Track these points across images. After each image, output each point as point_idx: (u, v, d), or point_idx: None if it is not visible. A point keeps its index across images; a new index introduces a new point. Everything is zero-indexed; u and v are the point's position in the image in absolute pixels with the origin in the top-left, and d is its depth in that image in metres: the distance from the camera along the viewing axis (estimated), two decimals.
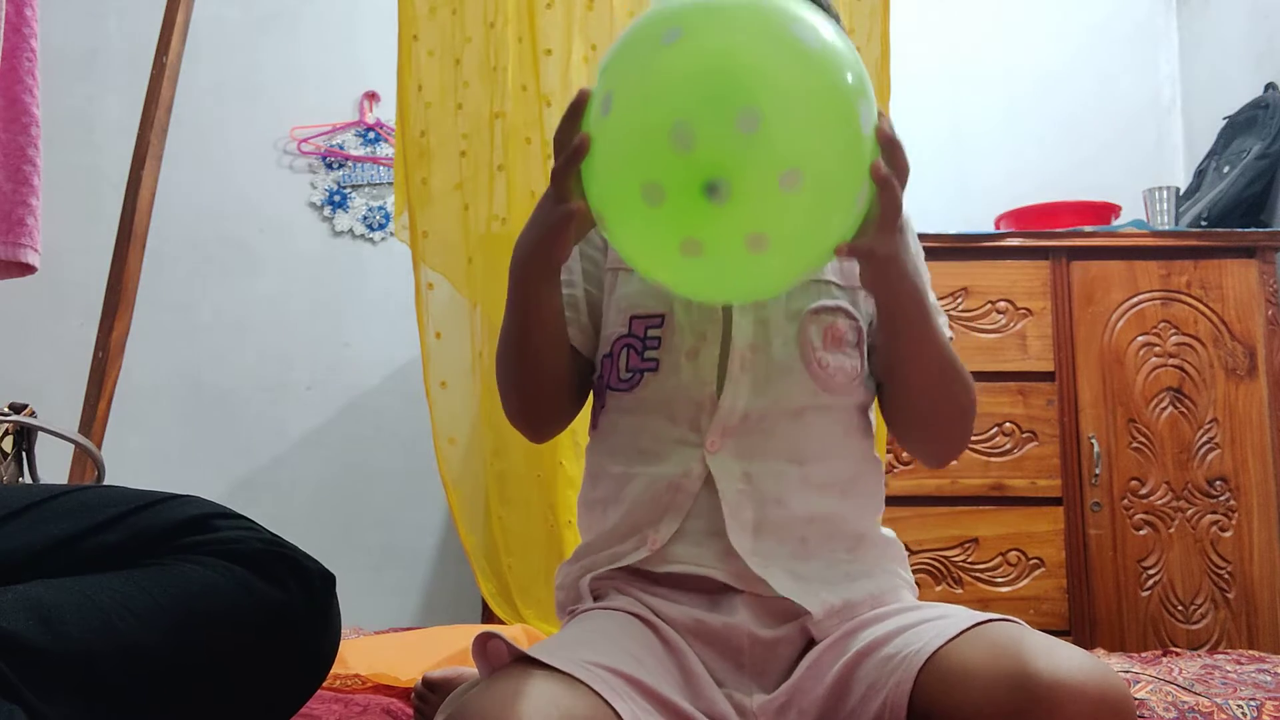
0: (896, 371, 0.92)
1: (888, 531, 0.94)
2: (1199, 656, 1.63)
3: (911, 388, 0.92)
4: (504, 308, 0.91)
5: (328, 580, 0.90)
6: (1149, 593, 2.08)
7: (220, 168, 2.67)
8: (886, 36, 1.91)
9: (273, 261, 2.67)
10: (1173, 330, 2.15)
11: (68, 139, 2.52)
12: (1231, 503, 2.10)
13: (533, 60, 1.97)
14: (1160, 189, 2.36)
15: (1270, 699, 1.24)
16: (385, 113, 2.69)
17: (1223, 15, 2.60)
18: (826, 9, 0.97)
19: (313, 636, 0.89)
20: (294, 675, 0.89)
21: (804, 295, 0.91)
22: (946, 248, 2.17)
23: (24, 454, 1.27)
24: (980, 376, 2.07)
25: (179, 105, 1.70)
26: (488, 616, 2.02)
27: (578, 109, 0.77)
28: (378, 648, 1.54)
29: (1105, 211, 2.32)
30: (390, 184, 2.68)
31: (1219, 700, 1.23)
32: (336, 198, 2.70)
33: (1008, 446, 2.13)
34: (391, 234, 2.66)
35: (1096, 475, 2.11)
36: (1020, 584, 2.09)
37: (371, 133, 2.71)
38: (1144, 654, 1.69)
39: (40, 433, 1.27)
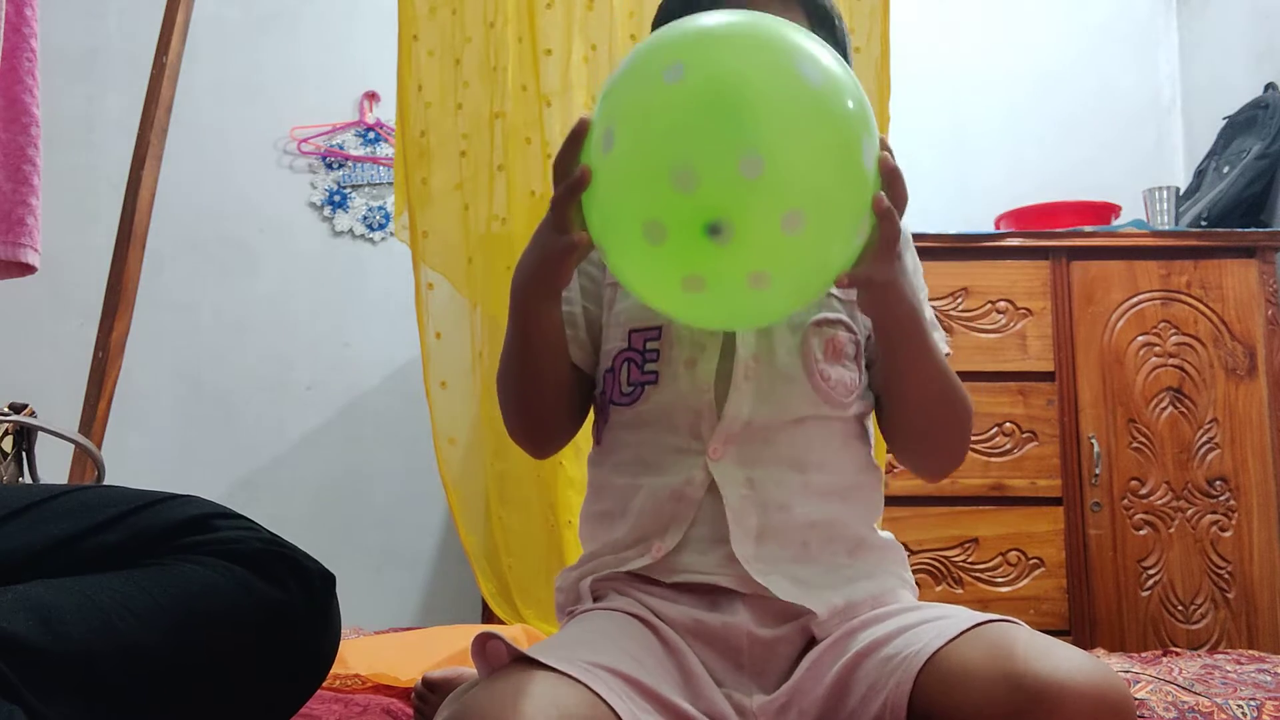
0: (894, 388, 0.92)
1: (887, 534, 0.94)
2: (1199, 656, 1.63)
3: (909, 404, 0.92)
4: (503, 307, 0.91)
5: (328, 580, 0.90)
6: (1149, 593, 2.08)
7: (220, 168, 2.67)
8: (886, 36, 1.91)
9: (273, 261, 2.67)
10: (1173, 330, 2.15)
11: (68, 139, 2.53)
12: (1231, 503, 2.10)
13: (533, 60, 1.97)
14: (1160, 189, 2.36)
15: (1270, 699, 1.24)
16: (385, 113, 2.69)
17: (1223, 15, 2.60)
18: (829, 14, 0.97)
19: (313, 636, 0.89)
20: (294, 675, 0.90)
21: (806, 307, 0.91)
22: (946, 248, 2.17)
23: (24, 454, 1.27)
24: (980, 376, 2.11)
25: (179, 105, 1.70)
26: (488, 616, 2.02)
27: (578, 138, 0.77)
28: (378, 648, 1.54)
29: (1105, 211, 2.32)
30: (390, 184, 2.68)
31: (1219, 700, 1.23)
32: (336, 198, 2.70)
33: (1008, 446, 2.13)
34: (391, 234, 2.66)
35: (1096, 475, 2.11)
36: (1020, 584, 2.09)
37: (371, 133, 2.71)
38: (1144, 654, 1.69)
39: (40, 433, 1.27)
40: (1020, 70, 2.73)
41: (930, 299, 1.00)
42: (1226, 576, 2.08)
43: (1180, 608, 2.08)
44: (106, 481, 1.33)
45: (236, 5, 2.72)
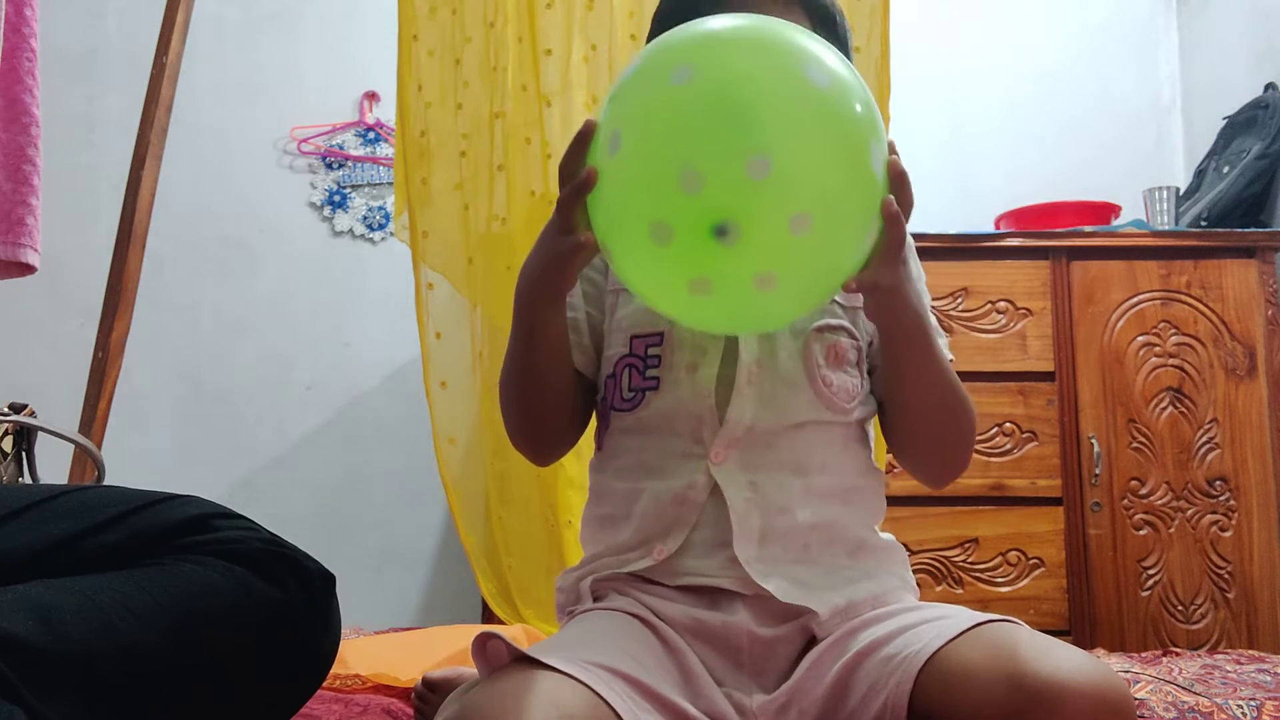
0: (897, 395, 0.93)
1: (888, 536, 0.95)
2: (1199, 656, 1.63)
3: (912, 411, 0.92)
4: (503, 307, 0.91)
5: (328, 580, 0.90)
6: (1149, 593, 2.08)
7: (220, 168, 2.67)
8: (886, 36, 1.91)
9: (273, 261, 2.67)
10: (1173, 330, 2.15)
11: (68, 139, 2.53)
12: (1231, 503, 2.10)
13: (533, 60, 1.97)
14: (1160, 189, 2.36)
15: (1270, 699, 1.24)
16: (385, 113, 2.69)
17: (1223, 16, 2.60)
18: (831, 14, 0.97)
19: (313, 636, 0.89)
20: (294, 675, 0.90)
21: (809, 313, 0.91)
22: (946, 248, 2.17)
23: (24, 454, 1.27)
24: (980, 376, 2.11)
25: (179, 105, 1.70)
26: (488, 616, 2.02)
27: (584, 140, 0.77)
28: (378, 648, 1.54)
29: (1105, 211, 2.32)
30: (390, 184, 2.68)
31: (1219, 700, 1.23)
32: (336, 198, 2.70)
33: (1008, 446, 2.13)
34: (391, 234, 2.66)
35: (1096, 475, 2.11)
36: (1020, 584, 2.09)
37: (371, 133, 2.71)
38: (1144, 654, 1.69)
39: (40, 433, 1.27)
40: (1020, 70, 2.74)
41: (930, 299, 1.00)
42: (1226, 576, 2.08)
43: (1180, 608, 2.08)
44: (106, 481, 1.33)
45: (236, 5, 2.72)
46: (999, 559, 2.11)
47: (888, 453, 1.01)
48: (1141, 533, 2.10)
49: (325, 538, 2.02)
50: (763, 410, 0.89)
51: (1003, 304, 2.16)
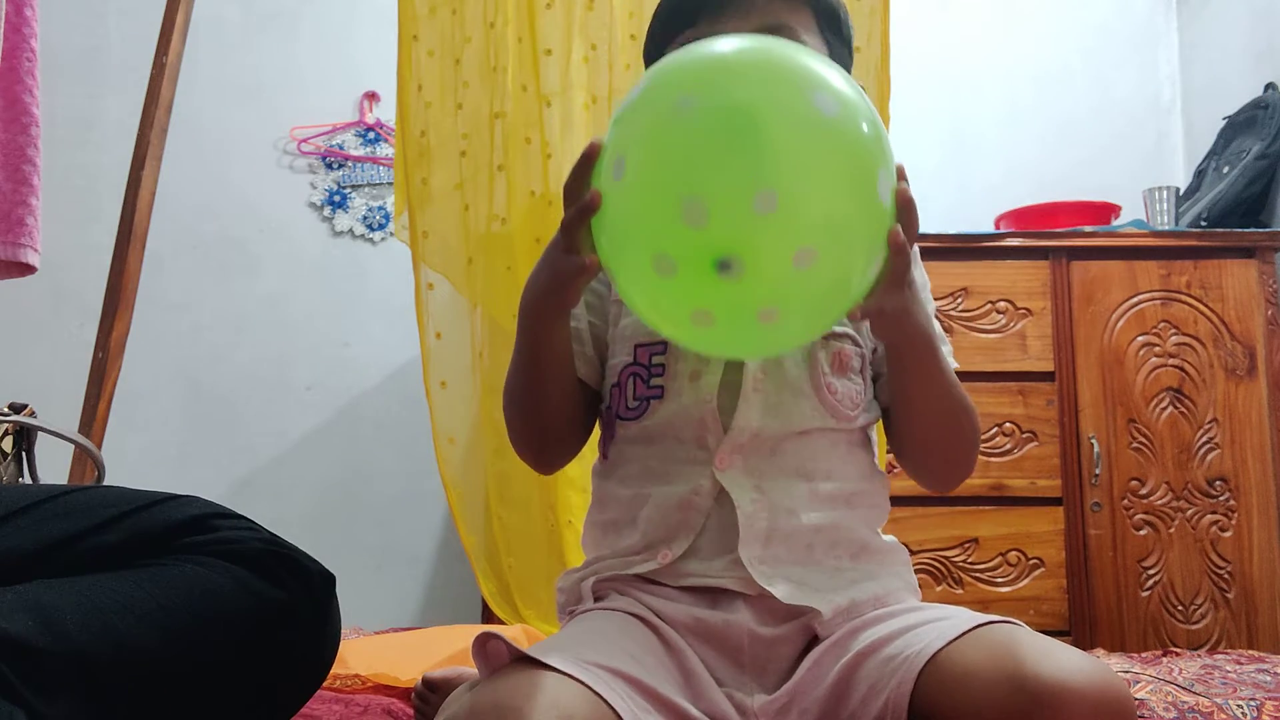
0: (904, 406, 0.93)
1: (890, 538, 0.95)
2: (1199, 656, 1.63)
3: (918, 421, 0.93)
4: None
5: (328, 580, 0.90)
6: (1149, 593, 2.08)
7: (220, 168, 2.67)
8: (886, 36, 1.91)
9: (273, 261, 2.67)
10: (1173, 330, 2.15)
11: (68, 139, 2.53)
12: (1231, 503, 2.10)
13: (533, 60, 1.97)
14: (1160, 189, 2.36)
15: (1270, 699, 1.24)
16: (385, 113, 2.69)
17: (1222, 16, 2.60)
18: (837, 13, 0.97)
19: (313, 636, 0.89)
20: (294, 675, 0.90)
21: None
22: (946, 248, 2.17)
23: (24, 454, 1.27)
24: (980, 376, 2.11)
25: (179, 105, 1.70)
26: (488, 616, 2.02)
27: (589, 161, 0.76)
28: (378, 648, 1.54)
29: (1105, 211, 2.32)
30: (390, 184, 2.68)
31: (1219, 700, 1.23)
32: (336, 198, 2.70)
33: (1008, 446, 2.13)
34: (391, 234, 2.66)
35: (1096, 475, 2.11)
36: (1020, 584, 2.09)
37: (371, 133, 2.71)
38: (1144, 654, 1.69)
39: (40, 433, 1.27)
40: (1020, 70, 2.74)
41: (934, 303, 1.00)
42: (1226, 576, 2.08)
43: (1180, 608, 2.08)
44: (106, 481, 1.33)
45: (236, 5, 2.72)
46: (999, 559, 2.11)
47: (888, 452, 1.01)
48: (1141, 533, 2.10)
49: (325, 538, 2.03)
50: (768, 417, 0.89)
51: (1003, 304, 2.16)
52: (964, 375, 0.96)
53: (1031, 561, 2.10)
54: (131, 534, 0.84)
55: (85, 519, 0.84)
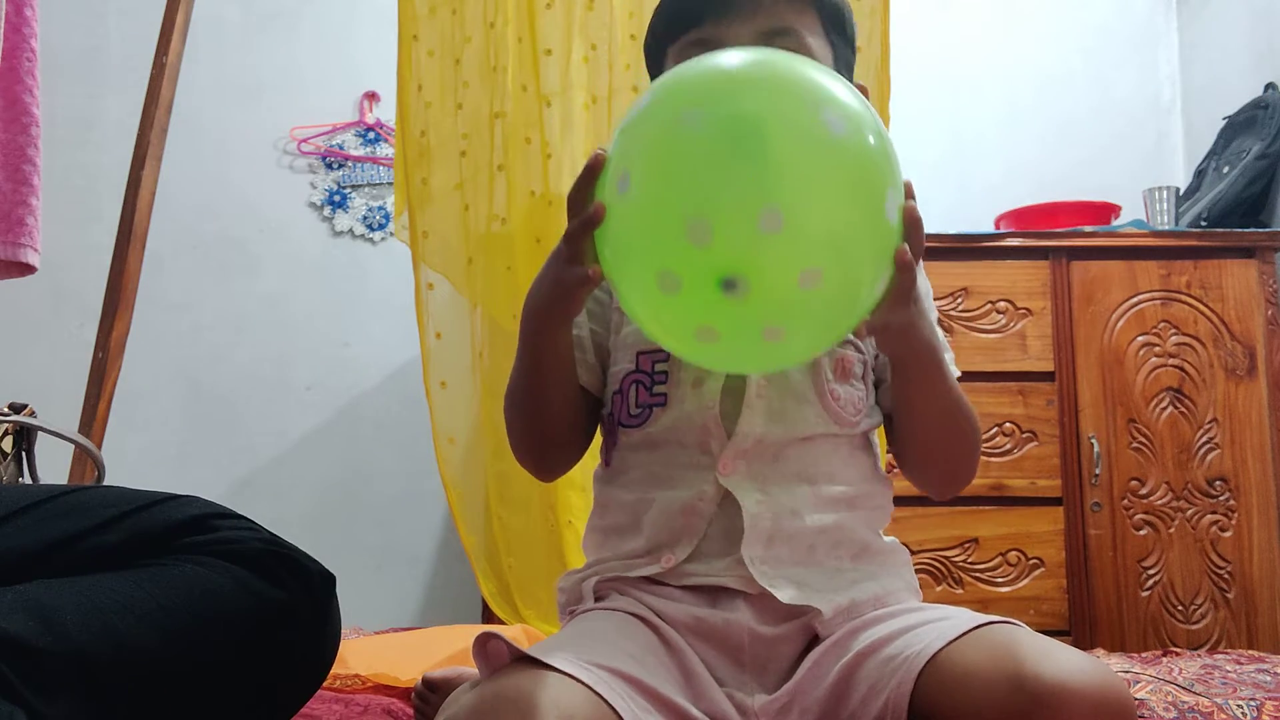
0: (906, 415, 0.93)
1: (891, 539, 0.95)
2: (1199, 656, 1.63)
3: (919, 430, 0.93)
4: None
5: (328, 580, 0.90)
6: (1149, 593, 2.08)
7: (220, 168, 2.67)
8: (886, 36, 1.91)
9: (273, 261, 2.67)
10: (1173, 330, 2.15)
11: (68, 139, 2.53)
12: (1231, 503, 2.10)
13: (533, 60, 1.97)
14: (1160, 189, 2.36)
15: (1270, 699, 1.24)
16: (385, 113, 2.69)
17: (1222, 16, 2.60)
18: (842, 14, 0.96)
19: (313, 636, 0.89)
20: (294, 675, 0.90)
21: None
22: (946, 248, 2.17)
23: (24, 454, 1.27)
24: (980, 376, 2.11)
25: (179, 105, 1.70)
26: (488, 616, 2.02)
27: (593, 172, 0.75)
28: (378, 648, 1.54)
29: (1105, 211, 2.32)
30: (390, 184, 2.68)
31: (1219, 700, 1.23)
32: (336, 198, 2.70)
33: (1008, 446, 2.13)
34: (391, 234, 2.66)
35: (1096, 475, 2.11)
36: (1020, 584, 2.09)
37: (371, 133, 2.71)
38: (1144, 654, 1.69)
39: (40, 433, 1.27)
40: (1020, 70, 2.74)
41: (935, 305, 1.00)
42: (1226, 576, 2.08)
43: (1180, 608, 2.08)
44: (106, 481, 1.33)
45: (236, 5, 2.72)
46: (999, 559, 2.11)
47: (888, 451, 1.01)
48: (1141, 533, 2.10)
49: (325, 538, 2.03)
50: (772, 424, 0.89)
51: (1003, 304, 2.16)
52: (964, 375, 0.96)
53: (1031, 561, 2.10)
54: (132, 534, 0.84)
55: (85, 519, 0.84)
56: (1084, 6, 2.76)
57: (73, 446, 1.43)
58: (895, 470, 1.01)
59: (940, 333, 0.91)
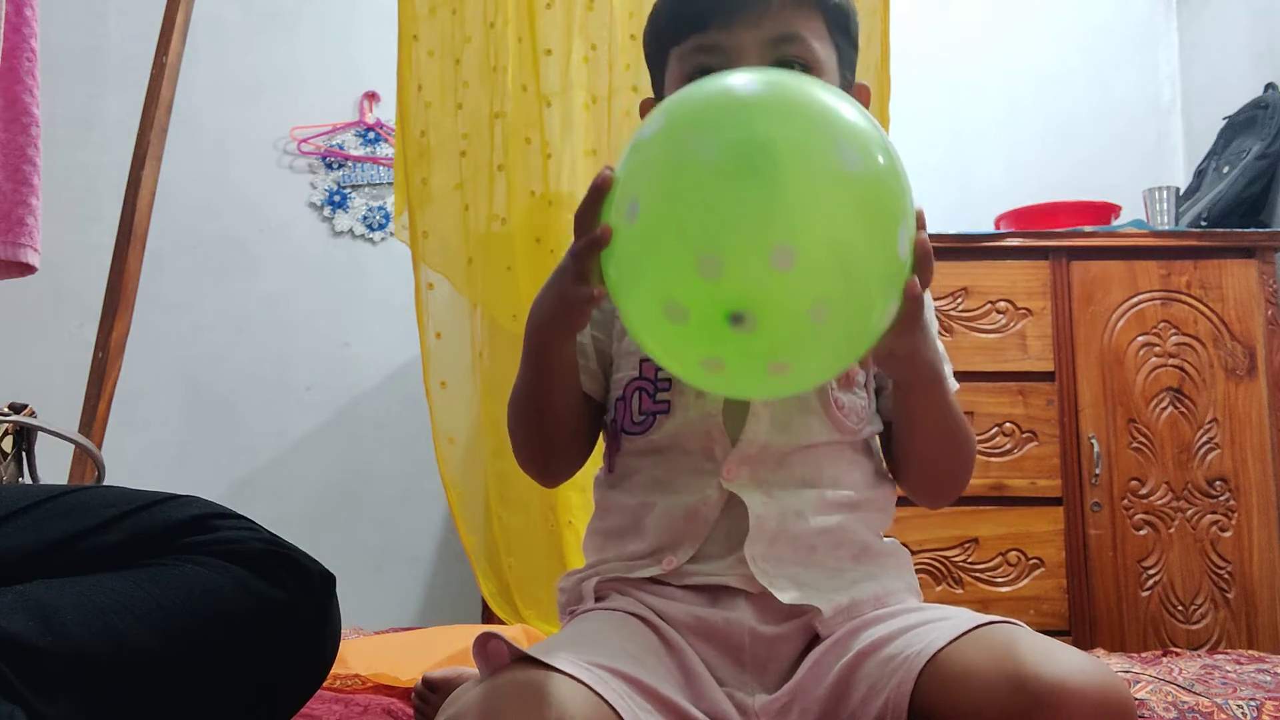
0: (905, 432, 0.93)
1: (891, 541, 0.95)
2: (1199, 656, 1.62)
3: (917, 447, 0.93)
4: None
5: (328, 580, 0.90)
6: (1149, 593, 2.08)
7: (220, 168, 2.67)
8: (886, 36, 1.91)
9: (273, 261, 2.67)
10: (1173, 330, 2.15)
11: (68, 139, 2.53)
12: (1231, 503, 2.10)
13: (533, 60, 1.97)
14: (1160, 189, 2.36)
15: (1270, 699, 1.24)
16: (385, 113, 2.69)
17: (1222, 16, 2.60)
18: (847, 17, 0.96)
19: (313, 636, 0.89)
20: (294, 675, 0.90)
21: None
22: (946, 248, 2.17)
23: (24, 454, 1.27)
24: (980, 376, 2.11)
25: (179, 105, 1.70)
26: (488, 616, 2.02)
27: (600, 193, 0.74)
28: (378, 648, 1.54)
29: (1105, 211, 2.32)
30: (390, 184, 2.68)
31: (1219, 700, 1.23)
32: (336, 198, 2.70)
33: (1008, 446, 2.13)
34: (391, 234, 2.66)
35: (1096, 475, 2.11)
36: (1020, 584, 2.09)
37: (371, 133, 2.71)
38: (1144, 654, 1.69)
39: (40, 433, 1.27)
40: (1020, 70, 2.74)
41: (930, 299, 0.99)
42: (1226, 576, 2.08)
43: (1180, 608, 2.08)
44: (106, 481, 1.33)
45: (236, 5, 2.72)
46: (999, 559, 2.11)
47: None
48: (1141, 533, 2.10)
49: (325, 538, 2.02)
50: (776, 432, 0.89)
51: (1003, 304, 2.16)
52: (964, 375, 0.96)
53: (1031, 561, 2.10)
54: (132, 534, 0.84)
55: (85, 519, 0.84)
56: (1084, 6, 2.76)
57: (73, 446, 1.43)
58: None
59: (940, 345, 0.91)
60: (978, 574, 2.10)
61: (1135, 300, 2.16)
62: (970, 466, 0.95)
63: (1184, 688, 1.30)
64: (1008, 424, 2.13)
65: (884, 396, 0.96)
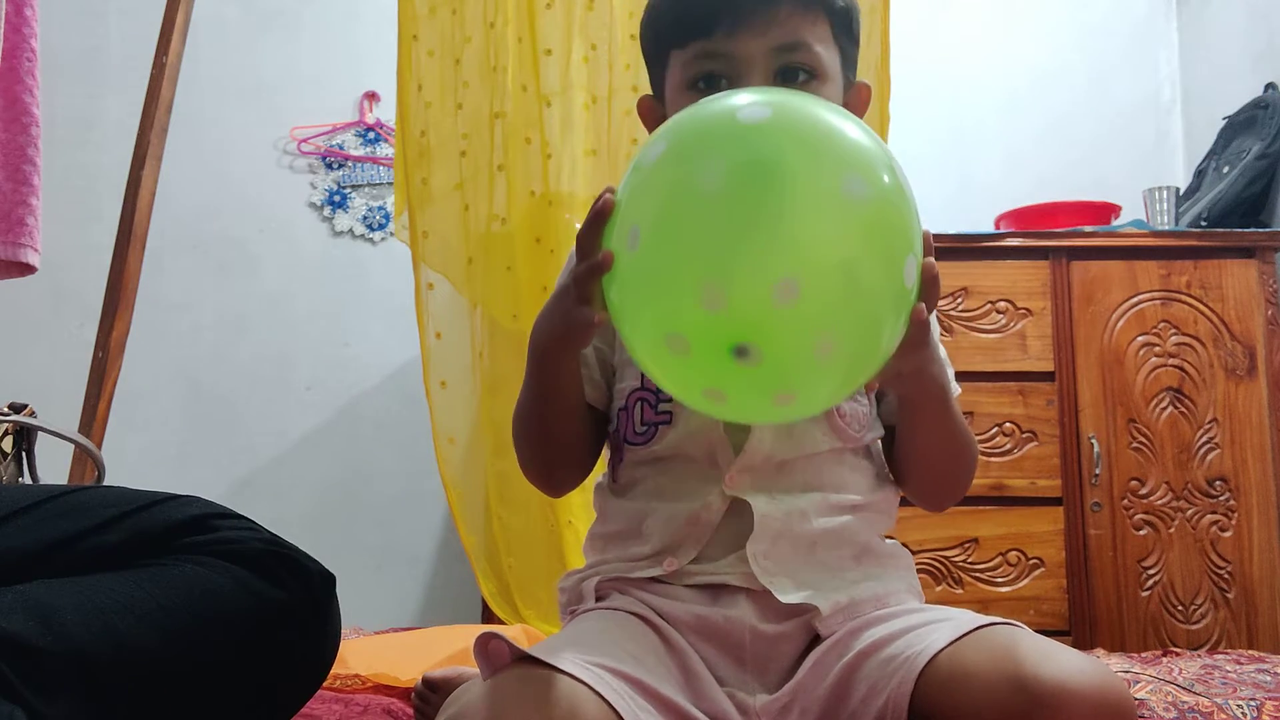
0: (908, 443, 0.93)
1: (892, 542, 0.95)
2: (1199, 656, 1.63)
3: (921, 455, 0.93)
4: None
5: (328, 580, 0.90)
6: (1149, 593, 2.08)
7: (220, 168, 2.67)
8: (886, 35, 1.91)
9: (273, 261, 2.67)
10: (1173, 330, 2.14)
11: (68, 139, 2.53)
12: (1231, 503, 2.10)
13: (533, 60, 1.97)
14: (1160, 189, 2.36)
15: (1270, 699, 1.24)
16: (385, 113, 2.69)
17: (1222, 15, 2.60)
18: (850, 17, 0.96)
19: (313, 636, 0.89)
20: (294, 675, 0.90)
21: None
22: (946, 248, 2.17)
23: (24, 454, 1.27)
24: (980, 376, 2.11)
25: (179, 105, 1.70)
26: (488, 616, 2.02)
27: (601, 217, 0.73)
28: (378, 648, 1.54)
29: (1105, 211, 2.32)
30: (390, 184, 2.68)
31: (1219, 700, 1.23)
32: (336, 198, 2.70)
33: (1008, 446, 2.13)
34: (391, 234, 2.66)
35: (1096, 475, 2.11)
36: (1020, 584, 2.09)
37: (371, 133, 2.71)
38: (1144, 654, 1.69)
39: (40, 433, 1.27)
40: (1019, 70, 2.74)
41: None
42: (1226, 576, 2.08)
43: (1180, 608, 2.08)
44: (106, 481, 1.33)
45: (236, 5, 2.72)
46: (999, 559, 2.11)
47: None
48: (1141, 533, 2.10)
49: (325, 538, 2.02)
50: (779, 442, 0.89)
51: (1003, 304, 2.16)
52: (964, 375, 0.96)
53: (1031, 561, 2.10)
54: (132, 534, 0.84)
55: (85, 519, 0.84)
56: (1083, 6, 2.76)
57: (73, 446, 1.43)
58: None
59: (942, 350, 0.91)
60: (978, 574, 2.10)
61: (1135, 300, 2.16)
62: (972, 471, 0.95)
63: (1184, 688, 1.30)
64: (1008, 424, 2.13)
65: (885, 401, 0.95)
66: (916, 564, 2.10)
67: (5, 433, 1.25)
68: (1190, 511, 2.10)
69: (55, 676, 0.71)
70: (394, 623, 2.27)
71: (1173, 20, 2.77)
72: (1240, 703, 1.23)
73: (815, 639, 0.85)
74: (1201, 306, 2.15)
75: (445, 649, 1.51)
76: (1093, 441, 2.12)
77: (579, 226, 0.76)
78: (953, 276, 2.17)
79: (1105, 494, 2.11)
